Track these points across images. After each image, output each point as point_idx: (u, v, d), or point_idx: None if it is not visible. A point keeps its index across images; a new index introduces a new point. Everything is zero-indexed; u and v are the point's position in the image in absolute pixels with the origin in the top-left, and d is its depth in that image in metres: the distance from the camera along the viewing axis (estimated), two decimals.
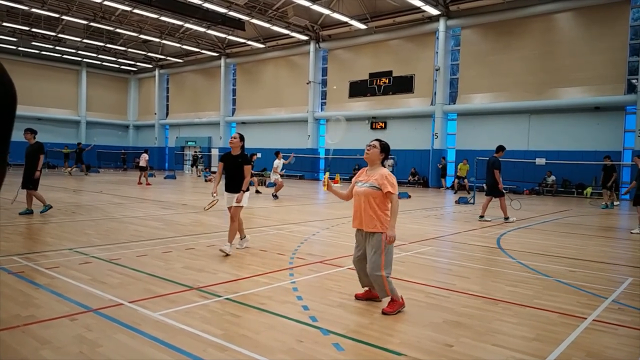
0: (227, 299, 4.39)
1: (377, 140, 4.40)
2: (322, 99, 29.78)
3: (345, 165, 26.27)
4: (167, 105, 40.54)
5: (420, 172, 24.85)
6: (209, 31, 28.91)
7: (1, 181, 0.96)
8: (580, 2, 19.85)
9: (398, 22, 24.95)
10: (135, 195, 15.14)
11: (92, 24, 28.16)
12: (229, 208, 6.50)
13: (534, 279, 5.52)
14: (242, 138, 6.57)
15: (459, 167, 20.72)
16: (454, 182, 21.54)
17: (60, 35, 30.70)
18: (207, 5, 23.68)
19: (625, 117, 19.46)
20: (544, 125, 21.18)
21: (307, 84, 29.07)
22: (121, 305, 4.07)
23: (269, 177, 16.92)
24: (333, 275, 5.42)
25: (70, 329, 3.50)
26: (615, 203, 16.17)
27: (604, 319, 4.10)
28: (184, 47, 32.45)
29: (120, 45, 34.33)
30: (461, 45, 23.89)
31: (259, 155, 20.01)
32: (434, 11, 22.48)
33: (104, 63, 38.92)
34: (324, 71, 29.61)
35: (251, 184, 18.23)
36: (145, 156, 20.74)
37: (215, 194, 6.42)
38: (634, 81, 19.20)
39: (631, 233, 9.55)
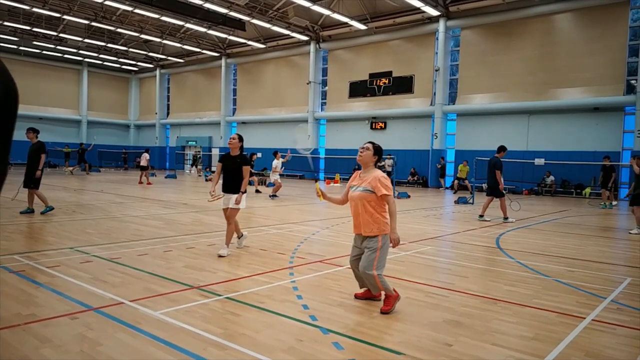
0: (227, 298, 4.40)
1: (370, 142, 4.38)
2: (322, 99, 29.80)
3: (346, 165, 26.30)
4: (168, 105, 40.57)
5: (419, 172, 24.86)
6: (210, 31, 28.94)
7: (2, 180, 0.97)
8: (580, 3, 19.87)
9: (398, 23, 24.97)
10: (136, 195, 15.15)
11: (93, 23, 28.18)
12: (225, 210, 6.42)
13: (533, 278, 5.53)
14: (241, 139, 6.51)
15: (459, 168, 20.72)
16: (453, 182, 21.56)
17: (61, 35, 30.72)
18: (207, 5, 23.71)
19: (624, 117, 19.49)
20: (543, 126, 21.19)
21: (308, 84, 29.09)
22: (122, 304, 4.08)
23: (269, 176, 16.89)
24: (333, 275, 5.44)
25: (70, 327, 3.51)
26: (613, 203, 16.20)
27: (602, 318, 4.11)
28: (185, 47, 32.47)
29: (121, 45, 34.35)
30: (461, 46, 23.91)
31: (259, 154, 20.04)
32: (433, 12, 22.50)
33: (105, 63, 38.96)
34: (324, 71, 29.63)
35: (251, 183, 18.26)
36: (146, 156, 20.75)
37: (213, 193, 6.38)
38: (633, 82, 19.21)
39: (629, 233, 9.56)
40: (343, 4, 24.65)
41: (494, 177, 10.82)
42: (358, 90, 27.34)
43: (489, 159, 11.41)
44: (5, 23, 28.38)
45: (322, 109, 29.67)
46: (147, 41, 33.70)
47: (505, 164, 11.14)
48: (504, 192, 11.00)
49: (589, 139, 19.89)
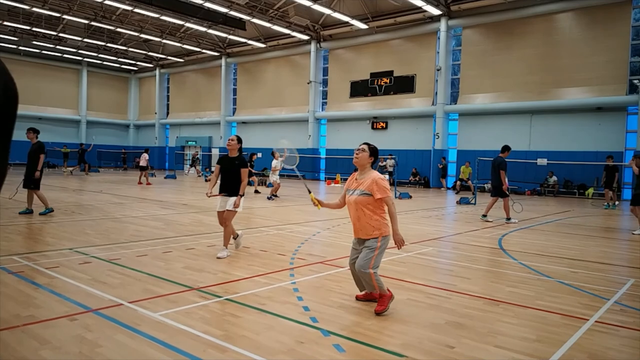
0: (227, 299, 4.37)
1: (365, 144, 4.31)
2: (323, 98, 29.77)
3: (347, 166, 26.27)
4: (168, 105, 40.55)
5: (421, 172, 24.83)
6: (210, 31, 28.91)
7: (2, 180, 0.95)
8: (582, 2, 19.83)
9: (399, 22, 24.94)
10: (136, 195, 15.13)
11: (92, 23, 28.17)
12: (220, 212, 6.29)
13: (535, 279, 5.50)
14: (239, 140, 6.40)
15: (461, 169, 20.67)
16: (455, 182, 21.52)
17: (61, 35, 30.72)
18: (208, 4, 23.68)
19: (627, 117, 19.45)
20: (546, 126, 21.15)
21: (308, 83, 29.06)
22: (121, 306, 4.06)
23: (269, 177, 16.79)
24: (334, 276, 5.41)
25: (70, 329, 3.49)
26: (616, 203, 16.16)
27: (605, 320, 4.08)
28: (185, 46, 32.44)
29: (121, 45, 34.34)
30: (462, 45, 23.88)
31: (259, 155, 20.00)
32: (435, 11, 22.46)
33: (105, 62, 38.96)
34: (325, 71, 29.60)
35: (251, 183, 18.22)
36: (145, 156, 20.73)
37: (210, 195, 6.26)
38: (635, 82, 19.16)
39: (633, 234, 9.52)
40: (344, 3, 24.61)
41: (499, 177, 10.73)
42: (359, 90, 27.30)
43: (492, 159, 11.31)
44: (5, 23, 28.38)
45: (322, 109, 29.63)
46: (146, 41, 33.69)
47: (508, 164, 11.06)
48: (508, 192, 10.92)
49: (592, 139, 19.85)
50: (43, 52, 35.10)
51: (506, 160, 10.95)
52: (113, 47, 34.68)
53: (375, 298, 4.41)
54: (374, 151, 4.28)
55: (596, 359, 3.26)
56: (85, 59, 38.01)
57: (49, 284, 4.63)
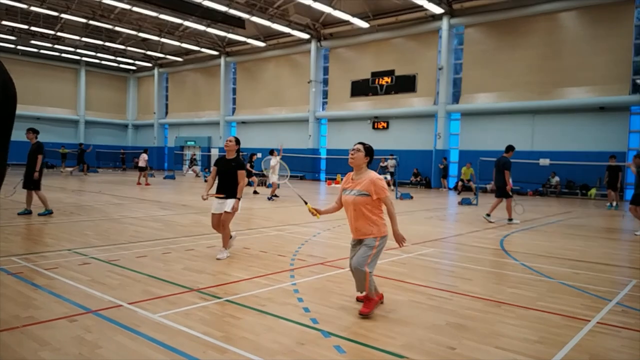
0: (227, 300, 4.36)
1: (360, 143, 4.25)
2: (323, 98, 29.73)
3: (347, 166, 26.03)
4: (167, 105, 40.50)
5: (422, 172, 24.79)
6: (209, 29, 28.85)
7: (1, 181, 0.94)
8: (585, 1, 19.77)
9: (400, 21, 24.88)
10: (135, 196, 15.11)
11: (91, 22, 28.11)
12: (215, 215, 6.16)
13: (537, 281, 5.48)
14: (237, 142, 6.32)
15: (462, 170, 20.66)
16: (457, 183, 21.50)
17: (59, 34, 30.67)
18: (206, 3, 23.62)
19: (630, 117, 19.41)
20: (548, 126, 21.11)
21: (308, 83, 29.01)
22: (120, 307, 4.04)
23: (269, 177, 16.66)
24: (334, 277, 5.39)
25: (69, 330, 3.48)
26: (616, 204, 16.13)
27: (607, 321, 4.06)
28: (184, 45, 32.37)
29: (119, 44, 34.28)
30: (464, 44, 23.83)
31: (259, 155, 19.95)
32: (437, 9, 22.38)
33: (103, 62, 38.90)
34: (326, 70, 29.55)
35: (250, 184, 18.19)
36: (144, 156, 20.70)
37: (206, 198, 6.21)
38: (639, 81, 19.14)
39: (635, 234, 9.50)
40: (344, 2, 24.54)
41: (503, 177, 10.68)
42: (360, 89, 27.26)
43: (495, 159, 11.24)
44: (3, 22, 28.32)
45: (323, 109, 29.60)
46: (145, 40, 33.63)
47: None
48: (511, 193, 10.86)
49: (595, 139, 19.80)
50: (41, 51, 35.04)
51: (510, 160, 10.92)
52: (111, 47, 34.62)
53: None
54: (369, 151, 4.22)
55: None
56: (84, 59, 37.95)
57: (49, 285, 4.62)
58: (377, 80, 26.45)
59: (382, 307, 4.29)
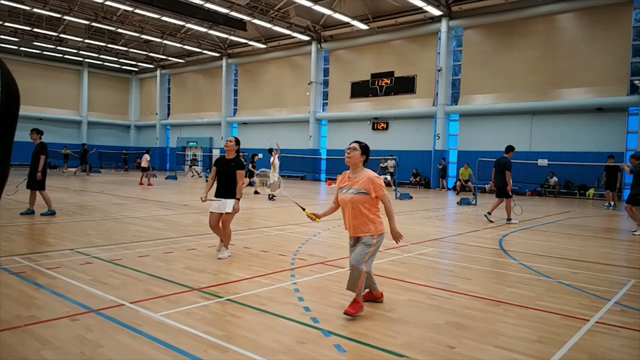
0: (228, 299, 4.38)
1: (356, 142, 4.23)
2: (323, 99, 29.77)
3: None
4: (169, 106, 40.57)
5: (422, 173, 24.81)
6: (211, 31, 28.94)
7: (4, 181, 0.95)
8: (583, 2, 19.82)
9: (400, 23, 24.94)
10: (137, 196, 15.15)
11: (93, 24, 28.20)
12: (214, 214, 6.14)
13: (536, 280, 5.50)
14: (237, 142, 6.33)
15: (460, 171, 20.71)
16: (455, 183, 21.52)
17: (61, 36, 30.74)
18: (208, 5, 23.70)
19: (628, 118, 19.43)
20: (547, 126, 21.14)
21: (309, 84, 29.06)
22: (122, 306, 4.07)
23: (270, 176, 16.64)
24: (334, 276, 5.41)
25: (71, 329, 3.50)
26: (611, 204, 16.15)
27: (606, 320, 4.08)
28: (186, 47, 32.47)
29: (121, 46, 34.37)
30: (463, 46, 23.87)
31: (260, 155, 19.96)
32: (436, 12, 22.45)
33: (106, 63, 38.98)
34: (326, 71, 29.60)
35: (252, 184, 18.22)
36: (147, 157, 20.74)
37: (204, 200, 6.22)
38: (636, 82, 19.16)
39: (633, 234, 9.52)
40: (344, 4, 24.62)
41: (504, 177, 10.70)
42: (360, 90, 27.31)
43: (495, 159, 11.26)
44: (6, 23, 28.41)
45: (323, 110, 29.64)
46: (147, 41, 33.70)
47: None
48: (511, 193, 10.87)
49: (593, 140, 19.83)
50: (44, 52, 35.11)
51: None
52: (114, 48, 34.71)
53: (375, 298, 4.42)
54: (365, 149, 4.21)
55: None
56: (86, 60, 38.03)
57: (51, 285, 4.64)
58: (376, 81, 26.50)
59: (382, 306, 4.32)
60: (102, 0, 23.83)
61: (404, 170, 24.15)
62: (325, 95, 29.67)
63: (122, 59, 37.67)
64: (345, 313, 3.91)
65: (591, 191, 19.65)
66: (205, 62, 35.80)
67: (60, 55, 36.13)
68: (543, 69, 21.06)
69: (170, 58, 36.61)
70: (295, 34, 27.55)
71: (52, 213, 9.64)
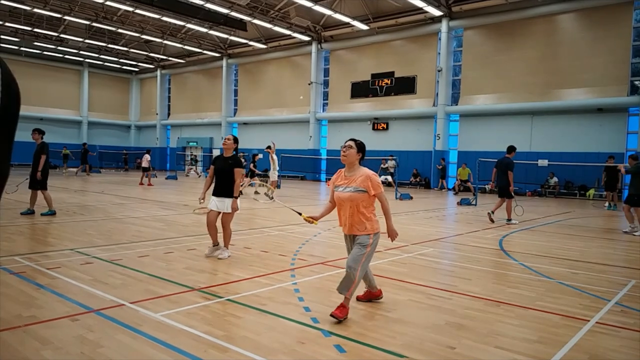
0: (228, 300, 4.38)
1: (352, 140, 4.17)
2: (324, 99, 29.78)
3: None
4: (169, 106, 40.58)
5: (422, 173, 24.81)
6: (211, 31, 28.94)
7: (5, 180, 0.95)
8: (584, 3, 19.81)
9: (400, 23, 24.94)
10: (137, 196, 15.15)
11: (94, 24, 28.21)
12: (212, 212, 6.10)
13: (536, 280, 5.50)
14: (235, 140, 6.34)
15: (458, 172, 20.73)
16: (455, 184, 21.53)
17: (62, 36, 30.76)
18: (209, 5, 23.71)
19: (628, 118, 19.43)
20: (547, 127, 21.14)
21: (309, 84, 29.07)
22: (122, 306, 4.07)
23: (270, 175, 16.63)
24: (335, 277, 5.41)
25: (71, 329, 3.50)
26: (607, 205, 16.15)
27: (606, 321, 4.08)
28: (186, 47, 32.47)
29: (122, 46, 34.38)
30: (463, 46, 23.87)
31: (260, 155, 19.96)
32: (436, 12, 22.45)
33: (106, 63, 39.00)
34: (326, 72, 29.60)
35: (252, 184, 18.19)
36: (147, 157, 20.75)
37: (203, 200, 6.19)
38: (637, 83, 19.15)
39: (634, 235, 9.52)
40: (345, 4, 24.61)
41: (506, 177, 10.69)
42: (360, 90, 27.31)
43: (497, 160, 11.26)
44: (6, 24, 28.42)
45: (324, 110, 29.65)
46: (147, 41, 33.71)
47: None
48: (513, 194, 10.87)
49: (593, 140, 19.82)
50: (44, 53, 35.12)
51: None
52: (114, 48, 34.72)
53: (376, 297, 4.42)
54: (361, 147, 4.16)
55: None
56: (87, 60, 38.04)
57: (51, 285, 4.64)
58: (377, 81, 26.50)
59: (382, 306, 4.32)
60: (102, 0, 23.85)
61: (404, 171, 24.14)
62: (326, 96, 29.67)
63: (122, 59, 37.68)
64: (332, 315, 3.84)
65: (591, 192, 19.65)
66: (205, 62, 35.81)
67: (61, 56, 36.14)
68: (543, 69, 21.05)
69: (170, 58, 36.62)
70: (295, 34, 27.55)
71: (52, 213, 9.65)
